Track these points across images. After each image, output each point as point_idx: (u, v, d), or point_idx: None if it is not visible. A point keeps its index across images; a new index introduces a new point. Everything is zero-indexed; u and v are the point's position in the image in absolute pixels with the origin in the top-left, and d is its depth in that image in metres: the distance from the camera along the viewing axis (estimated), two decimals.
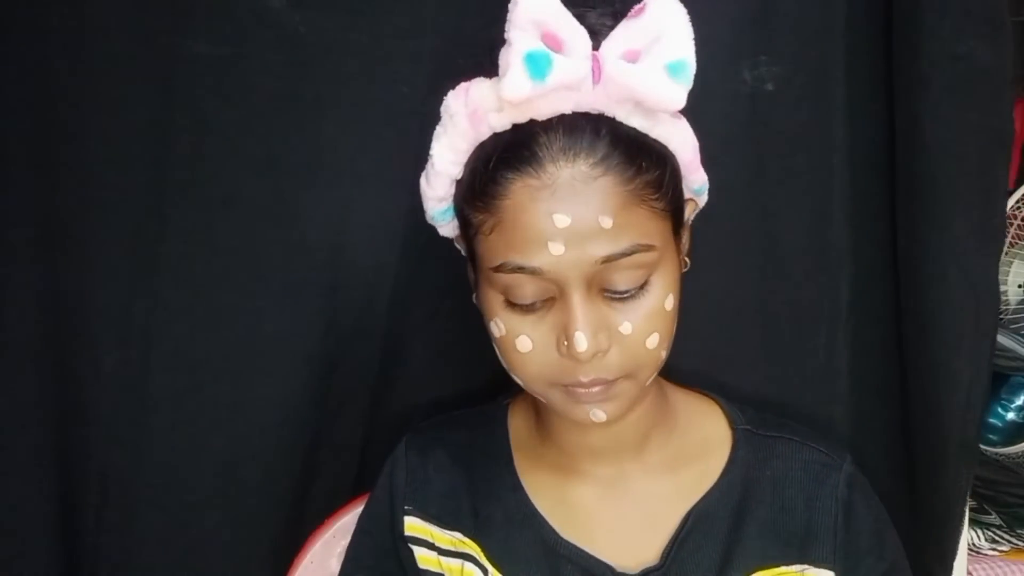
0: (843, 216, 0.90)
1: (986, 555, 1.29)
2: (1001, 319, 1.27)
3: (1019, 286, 1.32)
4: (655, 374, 0.69)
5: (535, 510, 0.76)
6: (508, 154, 0.63)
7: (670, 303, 0.66)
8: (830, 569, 0.73)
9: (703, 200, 0.76)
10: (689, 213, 0.73)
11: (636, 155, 0.63)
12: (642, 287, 0.65)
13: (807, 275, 0.91)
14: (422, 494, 0.79)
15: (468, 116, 0.65)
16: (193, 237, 0.86)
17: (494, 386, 0.84)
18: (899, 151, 0.85)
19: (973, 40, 0.79)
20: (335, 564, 0.84)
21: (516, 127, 0.64)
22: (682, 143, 0.68)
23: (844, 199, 0.90)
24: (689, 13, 0.65)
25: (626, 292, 0.64)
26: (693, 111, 0.87)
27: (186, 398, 0.88)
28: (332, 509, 0.90)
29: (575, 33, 0.61)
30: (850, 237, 0.90)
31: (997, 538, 1.31)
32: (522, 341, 0.66)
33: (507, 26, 0.61)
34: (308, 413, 0.90)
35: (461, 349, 0.89)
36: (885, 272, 0.89)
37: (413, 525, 0.79)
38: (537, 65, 0.59)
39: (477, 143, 0.66)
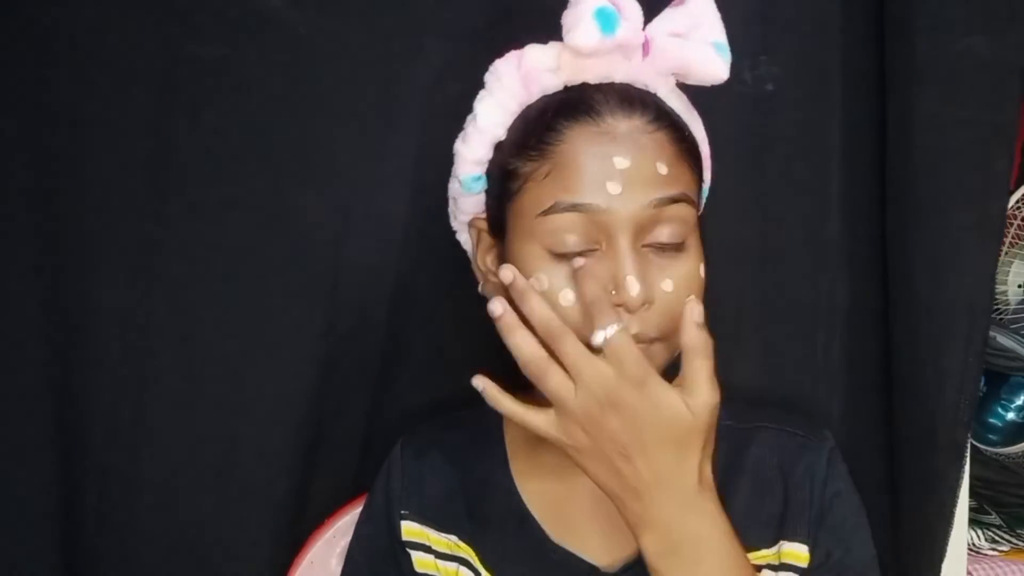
0: (842, 215, 0.90)
1: (986, 555, 1.29)
2: (1001, 319, 1.27)
3: (1019, 286, 1.32)
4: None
5: (529, 513, 0.76)
6: (566, 105, 0.67)
7: (702, 277, 0.68)
8: (804, 543, 0.73)
9: (701, 205, 0.76)
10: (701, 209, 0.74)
11: (680, 126, 0.69)
12: (681, 246, 0.67)
13: (806, 274, 0.91)
14: (418, 497, 0.79)
15: (521, 78, 0.68)
16: (193, 237, 0.86)
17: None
18: (891, 149, 0.85)
19: (974, 35, 0.79)
20: (335, 564, 0.84)
21: (568, 88, 0.68)
22: (702, 135, 0.73)
23: (843, 198, 0.90)
24: None
25: (669, 245, 0.66)
26: None
27: (186, 398, 0.88)
28: (332, 509, 0.90)
29: (631, 4, 0.66)
30: (849, 236, 0.90)
31: (997, 538, 1.31)
32: (565, 295, 0.65)
33: None
34: (308, 413, 0.90)
35: (461, 349, 0.89)
36: (883, 271, 0.89)
37: (410, 529, 0.79)
38: (607, 20, 0.63)
39: (526, 104, 0.69)
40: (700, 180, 0.71)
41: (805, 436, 0.76)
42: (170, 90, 0.85)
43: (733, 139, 0.89)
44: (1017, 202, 1.28)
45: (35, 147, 0.84)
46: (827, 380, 0.92)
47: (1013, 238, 1.29)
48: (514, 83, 0.68)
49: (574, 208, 0.64)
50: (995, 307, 1.26)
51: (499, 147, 0.70)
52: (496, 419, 0.81)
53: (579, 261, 0.65)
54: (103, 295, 0.86)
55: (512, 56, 0.69)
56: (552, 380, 0.61)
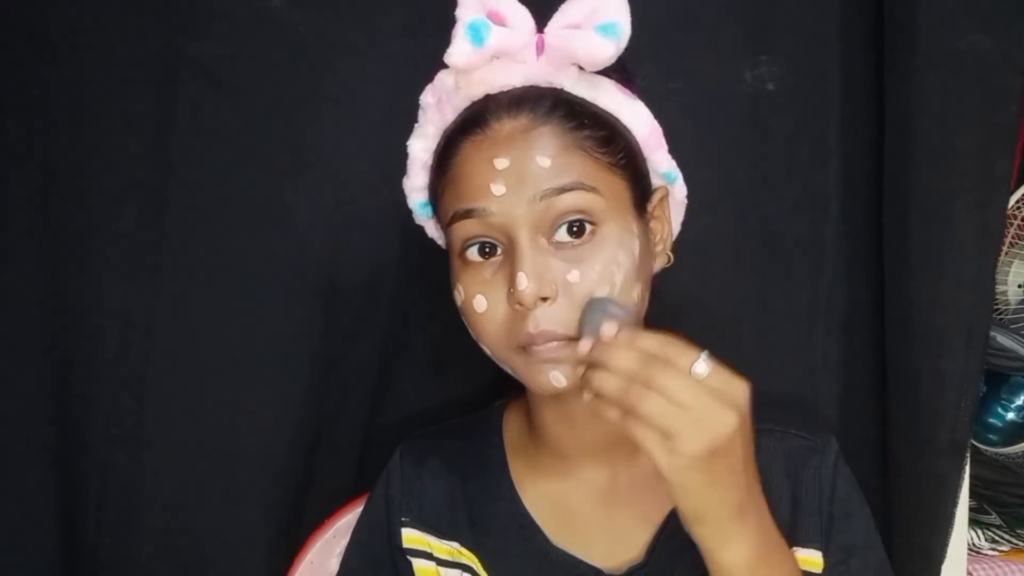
0: (842, 215, 0.90)
1: (986, 555, 1.29)
2: (1000, 319, 1.27)
3: (1019, 286, 1.32)
4: None
5: (530, 517, 0.76)
6: (462, 123, 0.69)
7: (626, 264, 0.66)
8: (818, 548, 0.73)
9: (679, 192, 0.76)
10: (660, 199, 0.73)
11: (578, 113, 0.68)
12: (591, 236, 0.66)
13: (806, 274, 0.91)
14: (418, 504, 0.79)
15: (435, 104, 0.71)
16: (193, 237, 0.86)
17: (494, 386, 0.84)
18: (891, 149, 0.85)
19: (975, 34, 0.78)
20: (335, 564, 0.84)
21: (473, 103, 0.69)
22: (635, 118, 0.71)
23: (843, 199, 0.90)
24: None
25: (573, 238, 0.65)
26: (693, 111, 0.88)
27: (186, 398, 0.88)
28: (332, 509, 0.90)
29: (516, 10, 0.66)
30: (848, 237, 0.90)
31: (997, 538, 1.31)
32: (478, 301, 0.67)
33: (458, 6, 0.66)
34: (308, 413, 0.90)
35: (461, 349, 0.88)
36: (883, 272, 0.89)
37: (411, 536, 0.79)
38: (476, 32, 0.64)
39: (444, 127, 0.71)
40: (625, 169, 0.69)
41: (811, 440, 0.76)
42: (170, 90, 0.85)
43: (733, 139, 0.89)
44: (1017, 202, 1.28)
45: (35, 147, 0.84)
46: (826, 381, 0.92)
47: (1013, 238, 1.29)
48: (431, 110, 0.71)
49: (468, 215, 0.66)
50: (995, 307, 1.25)
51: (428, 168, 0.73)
52: (495, 424, 0.81)
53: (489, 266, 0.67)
54: (103, 295, 0.86)
55: (430, 85, 0.71)
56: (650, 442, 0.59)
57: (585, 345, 0.62)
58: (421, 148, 0.73)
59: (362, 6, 0.85)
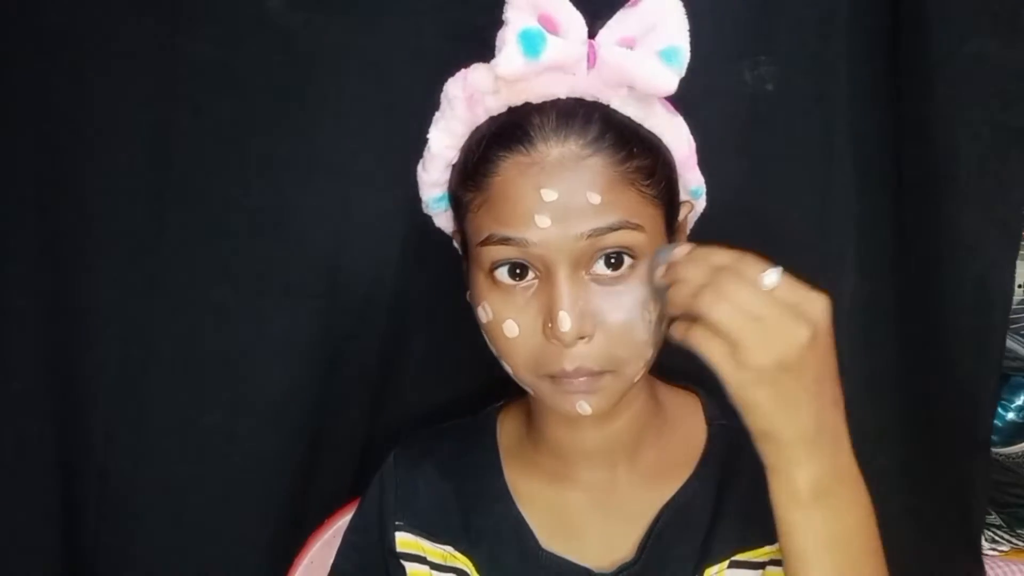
0: (844, 215, 0.90)
1: (986, 555, 1.29)
2: None
3: (1019, 286, 1.32)
4: (643, 371, 0.68)
5: (523, 520, 0.76)
6: (501, 134, 0.65)
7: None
8: None
9: (700, 205, 0.76)
10: (685, 215, 0.72)
11: (628, 140, 0.64)
12: (630, 271, 0.64)
13: (808, 276, 0.91)
14: (412, 508, 0.79)
15: (465, 100, 0.67)
16: (193, 237, 0.86)
17: (494, 386, 0.84)
18: (907, 152, 0.85)
19: (985, 38, 0.78)
20: None
21: (511, 110, 0.65)
22: (676, 139, 0.69)
23: (845, 198, 0.90)
24: (689, 13, 0.65)
25: (613, 274, 0.64)
26: (693, 111, 0.88)
27: (186, 398, 0.88)
28: (332, 509, 0.90)
29: (571, 17, 0.63)
30: (851, 236, 0.90)
31: (997, 538, 1.31)
32: (509, 326, 0.65)
33: (505, 7, 0.62)
34: (308, 413, 0.90)
35: (461, 349, 0.89)
36: (886, 272, 0.89)
37: (404, 540, 0.79)
38: (531, 42, 0.60)
39: (473, 127, 0.67)
40: (663, 196, 0.67)
41: None
42: (170, 90, 0.85)
43: (733, 139, 0.89)
44: None
45: (35, 147, 0.84)
46: None
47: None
48: (460, 105, 0.67)
49: (506, 241, 0.64)
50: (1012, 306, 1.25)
51: (453, 168, 0.70)
52: (490, 427, 0.81)
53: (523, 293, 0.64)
54: (103, 295, 0.86)
55: (459, 76, 0.67)
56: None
57: (660, 271, 0.61)
58: (447, 145, 0.69)
59: (362, 6, 0.85)
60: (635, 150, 0.64)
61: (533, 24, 0.61)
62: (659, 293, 0.63)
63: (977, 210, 0.82)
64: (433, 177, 0.71)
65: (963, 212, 0.82)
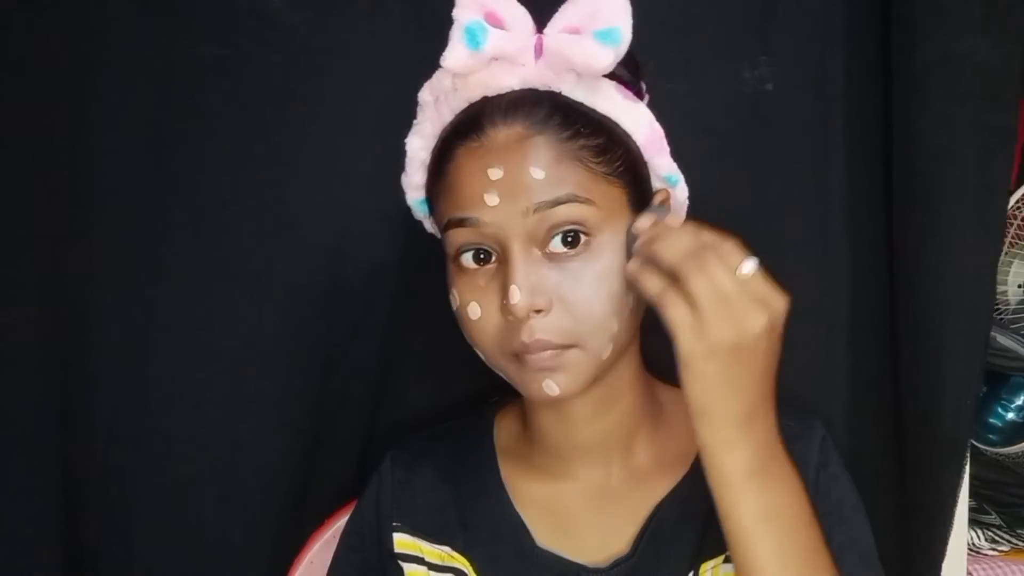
0: (843, 216, 0.90)
1: (986, 555, 1.29)
2: (1000, 319, 1.27)
3: (1019, 286, 1.32)
4: (612, 348, 0.67)
5: (519, 519, 0.76)
6: (457, 126, 0.69)
7: (623, 275, 0.66)
8: None
9: (681, 194, 0.75)
10: (660, 202, 0.73)
11: (575, 121, 0.67)
12: (585, 247, 0.65)
13: (807, 275, 0.91)
14: (410, 509, 0.79)
15: (433, 102, 0.71)
16: (193, 237, 0.86)
17: (494, 387, 0.84)
18: (895, 150, 0.85)
19: (974, 38, 0.78)
20: None
21: (470, 105, 0.69)
22: (635, 123, 0.70)
23: (844, 199, 0.90)
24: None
25: (567, 248, 0.65)
26: (693, 111, 0.88)
27: (186, 398, 0.88)
28: (332, 509, 0.90)
29: (515, 11, 0.66)
30: (850, 237, 0.90)
31: (997, 538, 1.31)
32: (472, 308, 0.67)
33: (455, 7, 0.65)
34: (308, 413, 0.90)
35: (461, 349, 0.89)
36: (884, 272, 0.89)
37: (402, 541, 0.79)
38: (473, 36, 0.64)
39: (442, 126, 0.71)
40: (623, 176, 0.68)
41: (795, 427, 0.75)
42: (170, 90, 0.85)
43: (733, 139, 0.89)
44: (1017, 202, 1.28)
45: (35, 147, 0.84)
46: (828, 381, 0.92)
47: (1013, 238, 1.29)
48: (430, 108, 0.71)
49: (461, 223, 0.66)
50: (995, 307, 1.26)
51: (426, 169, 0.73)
52: (486, 427, 0.81)
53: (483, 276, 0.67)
54: (103, 295, 0.86)
55: (428, 82, 0.71)
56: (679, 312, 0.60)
57: (647, 219, 0.65)
58: (419, 147, 0.73)
59: (362, 6, 0.85)
60: (582, 129, 0.67)
61: (477, 19, 0.65)
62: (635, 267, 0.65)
63: (962, 210, 0.82)
64: (413, 181, 0.74)
65: (948, 212, 0.82)
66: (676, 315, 0.59)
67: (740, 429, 0.61)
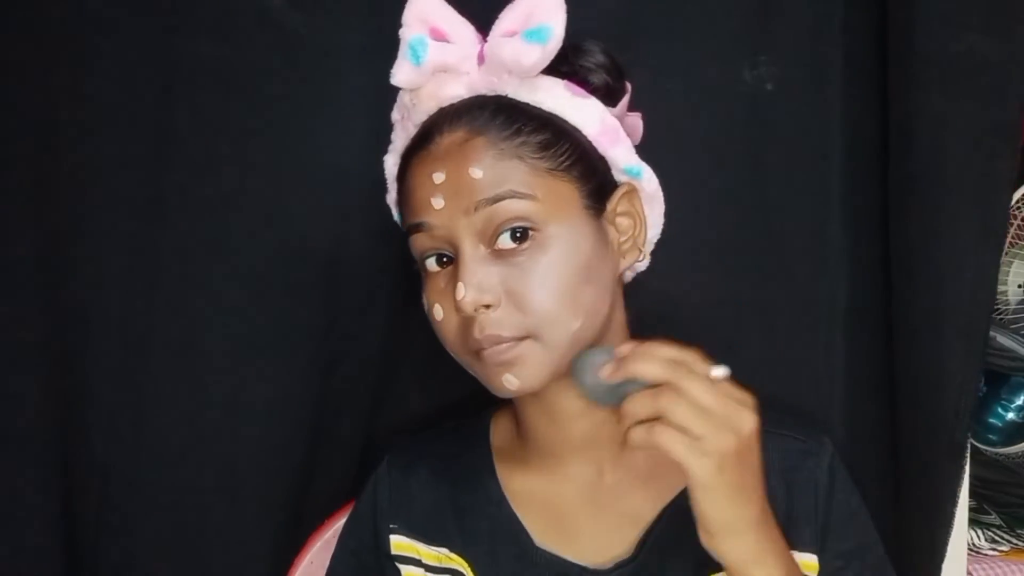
0: (842, 215, 0.90)
1: (986, 555, 1.29)
2: (1001, 319, 1.27)
3: (1019, 286, 1.32)
4: (573, 341, 0.67)
5: (517, 520, 0.76)
6: (415, 140, 0.72)
7: (572, 265, 0.67)
8: (812, 552, 0.73)
9: (649, 185, 0.75)
10: (623, 194, 0.73)
11: (516, 120, 0.69)
12: (532, 241, 0.67)
13: (807, 275, 0.91)
14: (407, 511, 0.79)
15: (401, 120, 0.74)
16: (193, 237, 0.86)
17: None
18: (893, 149, 0.85)
19: (974, 35, 0.78)
20: None
21: (428, 118, 0.71)
22: (585, 118, 0.71)
23: (843, 199, 0.90)
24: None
25: (518, 247, 0.66)
26: (693, 111, 0.88)
27: (186, 398, 0.88)
28: (332, 509, 0.90)
29: (457, 24, 0.70)
30: (849, 237, 0.90)
31: (997, 538, 1.31)
32: (436, 310, 0.70)
33: (401, 27, 0.69)
34: (308, 413, 0.90)
35: None
36: (884, 272, 0.89)
37: (399, 543, 0.79)
38: (415, 52, 0.68)
39: (407, 142, 0.73)
40: (569, 171, 0.69)
41: (805, 442, 0.76)
42: (170, 90, 0.85)
43: (733, 139, 0.89)
44: (1017, 202, 1.28)
45: (35, 147, 0.84)
46: (828, 382, 0.92)
47: (1013, 238, 1.29)
48: (398, 126, 0.75)
49: (417, 229, 0.69)
50: (995, 307, 1.26)
51: None
52: (482, 428, 0.81)
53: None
54: (103, 296, 0.86)
55: (396, 102, 0.74)
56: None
57: (606, 370, 0.63)
58: (392, 163, 0.76)
59: (362, 6, 0.85)
60: (524, 127, 0.68)
61: (420, 35, 0.68)
62: (608, 391, 0.64)
63: (963, 208, 0.81)
64: (391, 197, 0.78)
65: (949, 210, 0.82)
66: (675, 448, 0.59)
67: (760, 536, 0.62)
